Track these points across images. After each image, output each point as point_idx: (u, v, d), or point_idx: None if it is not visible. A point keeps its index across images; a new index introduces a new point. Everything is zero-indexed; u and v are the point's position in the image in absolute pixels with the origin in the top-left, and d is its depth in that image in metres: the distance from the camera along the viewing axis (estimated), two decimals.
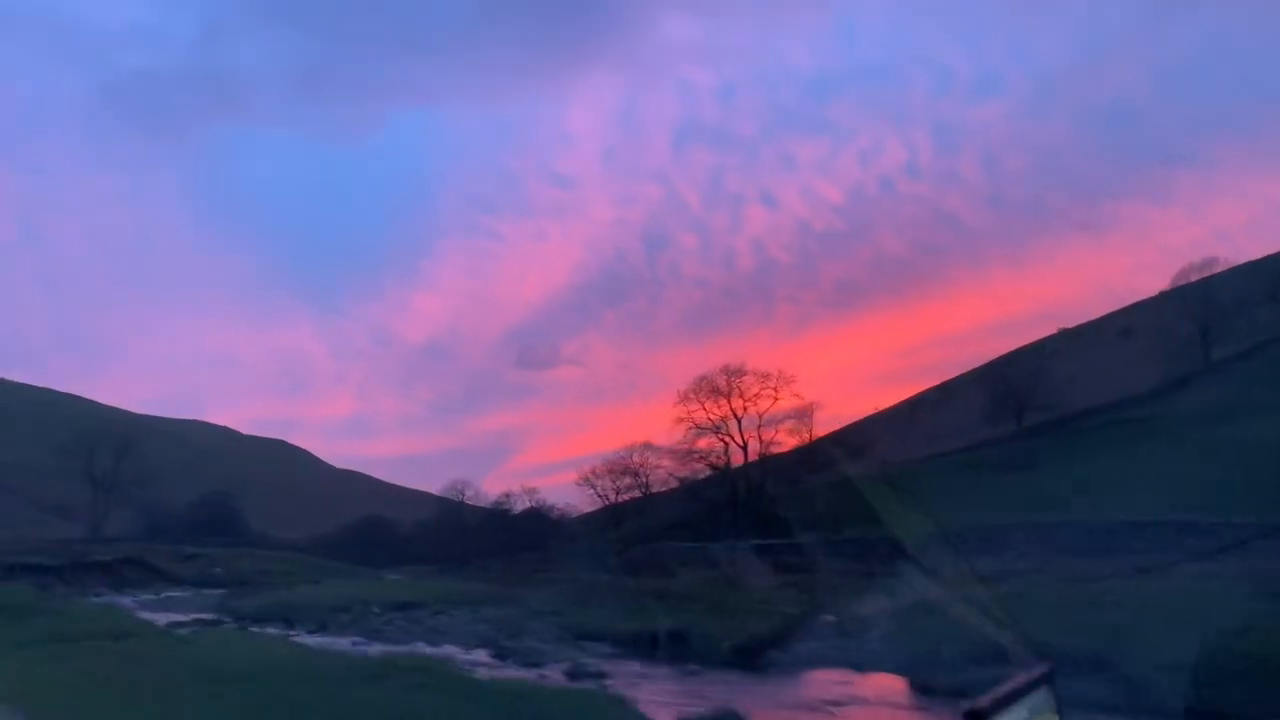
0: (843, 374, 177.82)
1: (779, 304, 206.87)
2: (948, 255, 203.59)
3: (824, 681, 14.34)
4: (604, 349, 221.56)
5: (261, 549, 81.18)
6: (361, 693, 9.54)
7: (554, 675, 15.84)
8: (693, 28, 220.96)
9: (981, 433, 73.27)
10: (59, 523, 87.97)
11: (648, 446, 73.34)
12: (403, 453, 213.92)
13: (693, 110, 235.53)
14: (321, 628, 29.77)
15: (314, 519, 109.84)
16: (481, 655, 20.47)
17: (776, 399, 63.01)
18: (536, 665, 17.42)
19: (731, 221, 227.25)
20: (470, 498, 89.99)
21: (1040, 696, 1.85)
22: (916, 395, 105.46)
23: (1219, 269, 70.75)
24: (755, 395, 62.92)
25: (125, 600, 46.95)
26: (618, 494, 76.11)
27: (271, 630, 29.94)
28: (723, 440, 63.56)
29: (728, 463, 63.62)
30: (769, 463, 64.17)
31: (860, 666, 14.73)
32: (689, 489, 68.01)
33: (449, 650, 22.21)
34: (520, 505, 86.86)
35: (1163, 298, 77.79)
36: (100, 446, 79.38)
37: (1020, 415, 65.71)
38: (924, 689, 12.61)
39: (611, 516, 76.43)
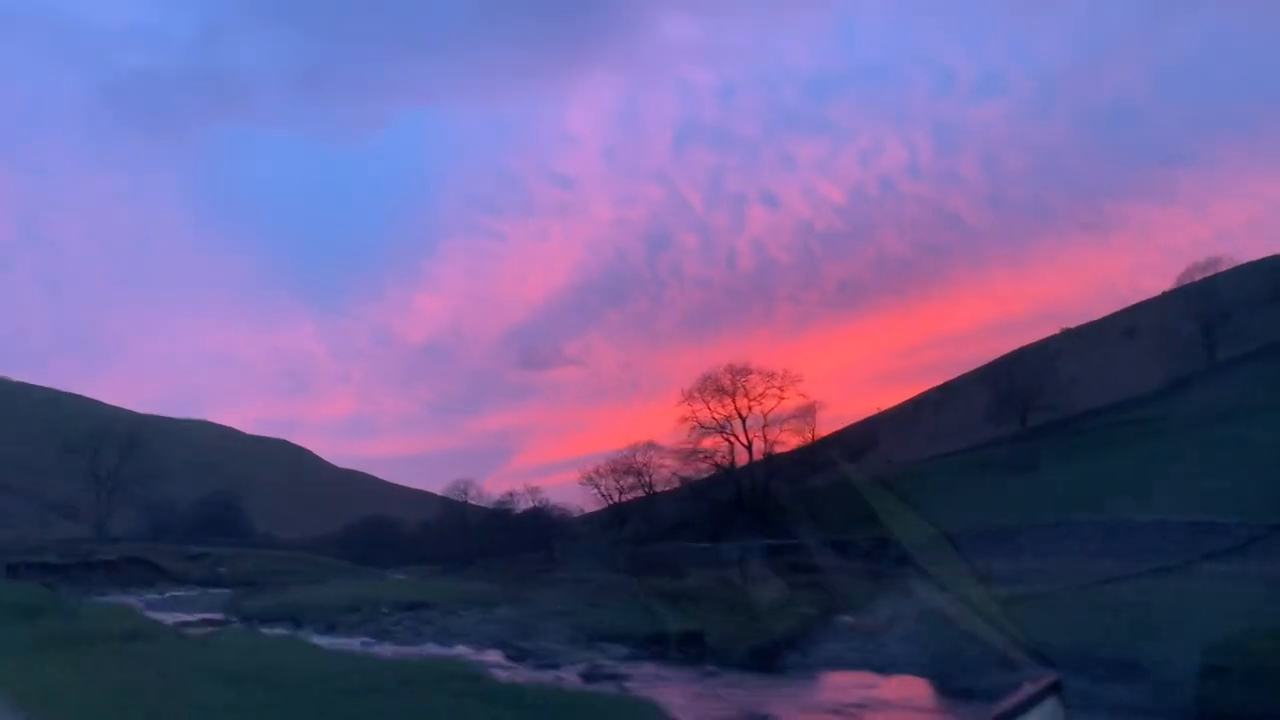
0: (844, 374, 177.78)
1: (780, 304, 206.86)
2: (949, 255, 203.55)
3: (845, 684, 14.29)
4: (605, 349, 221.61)
5: (265, 549, 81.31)
6: (399, 701, 9.40)
7: (570, 677, 15.80)
8: (693, 28, 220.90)
9: (985, 433, 73.16)
10: (62, 522, 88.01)
11: (651, 446, 73.32)
12: (404, 453, 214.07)
13: (693, 110, 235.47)
14: (330, 628, 29.76)
15: (316, 519, 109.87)
16: (495, 656, 20.41)
17: (782, 398, 63.00)
18: (552, 667, 17.37)
19: (732, 221, 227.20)
20: (473, 497, 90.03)
21: (1048, 708, 1.84)
22: (919, 395, 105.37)
23: (1223, 268, 70.66)
24: (760, 395, 62.90)
25: (131, 600, 46.96)
26: (621, 494, 76.00)
27: (280, 630, 29.93)
28: (727, 440, 63.52)
29: (732, 462, 63.58)
30: (773, 462, 64.11)
31: (881, 669, 14.65)
32: (693, 489, 67.95)
33: (461, 651, 22.17)
34: (523, 505, 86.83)
35: (1166, 298, 77.70)
36: (104, 446, 79.39)
37: (1024, 415, 65.59)
38: (947, 692, 12.57)
39: (615, 516, 76.35)
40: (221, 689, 11.07)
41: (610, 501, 76.97)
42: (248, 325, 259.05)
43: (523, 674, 15.64)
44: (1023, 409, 66.53)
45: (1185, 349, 63.95)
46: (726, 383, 63.14)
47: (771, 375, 63.43)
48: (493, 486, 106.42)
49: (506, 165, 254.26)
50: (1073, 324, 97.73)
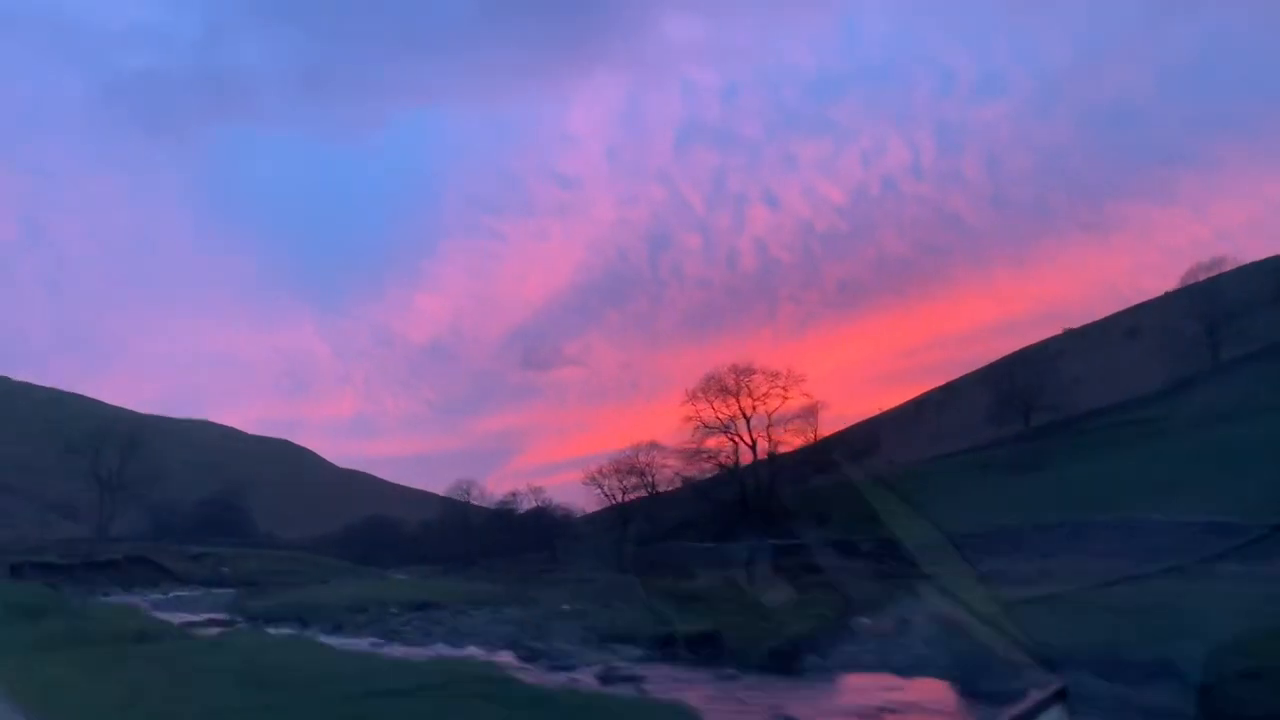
0: (845, 374, 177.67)
1: (781, 304, 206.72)
2: (950, 255, 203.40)
3: (868, 687, 14.17)
4: (606, 349, 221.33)
5: (267, 549, 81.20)
6: (429, 703, 9.19)
7: (586, 679, 15.68)
8: (695, 28, 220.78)
9: (987, 433, 73.14)
10: (63, 522, 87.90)
11: (654, 446, 73.22)
12: (406, 453, 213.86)
13: (695, 110, 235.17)
14: (338, 628, 29.64)
15: (318, 519, 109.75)
16: (507, 657, 20.30)
17: (786, 398, 62.93)
18: (566, 668, 17.26)
19: (734, 222, 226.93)
20: (475, 498, 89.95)
21: (1054, 715, 1.82)
22: (921, 395, 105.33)
23: (1226, 268, 70.65)
24: (764, 394, 62.82)
25: (135, 600, 46.86)
26: (624, 494, 75.91)
27: (287, 630, 29.83)
28: (731, 440, 63.44)
29: (736, 462, 63.51)
30: (776, 462, 64.04)
31: (902, 671, 14.52)
32: (696, 489, 67.85)
33: (473, 652, 22.07)
34: (525, 505, 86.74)
35: (1169, 298, 77.70)
36: (106, 446, 79.29)
37: (1028, 416, 65.54)
38: (971, 694, 12.44)
39: (618, 516, 76.25)
40: (238, 691, 10.87)
41: (613, 501, 76.87)
42: (249, 325, 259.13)
43: (537, 675, 15.50)
44: (1025, 409, 66.47)
45: (1189, 349, 63.93)
46: (730, 382, 63.12)
47: (775, 375, 63.40)
48: (494, 486, 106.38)
49: (508, 165, 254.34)
50: (1074, 324, 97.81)
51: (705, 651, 17.97)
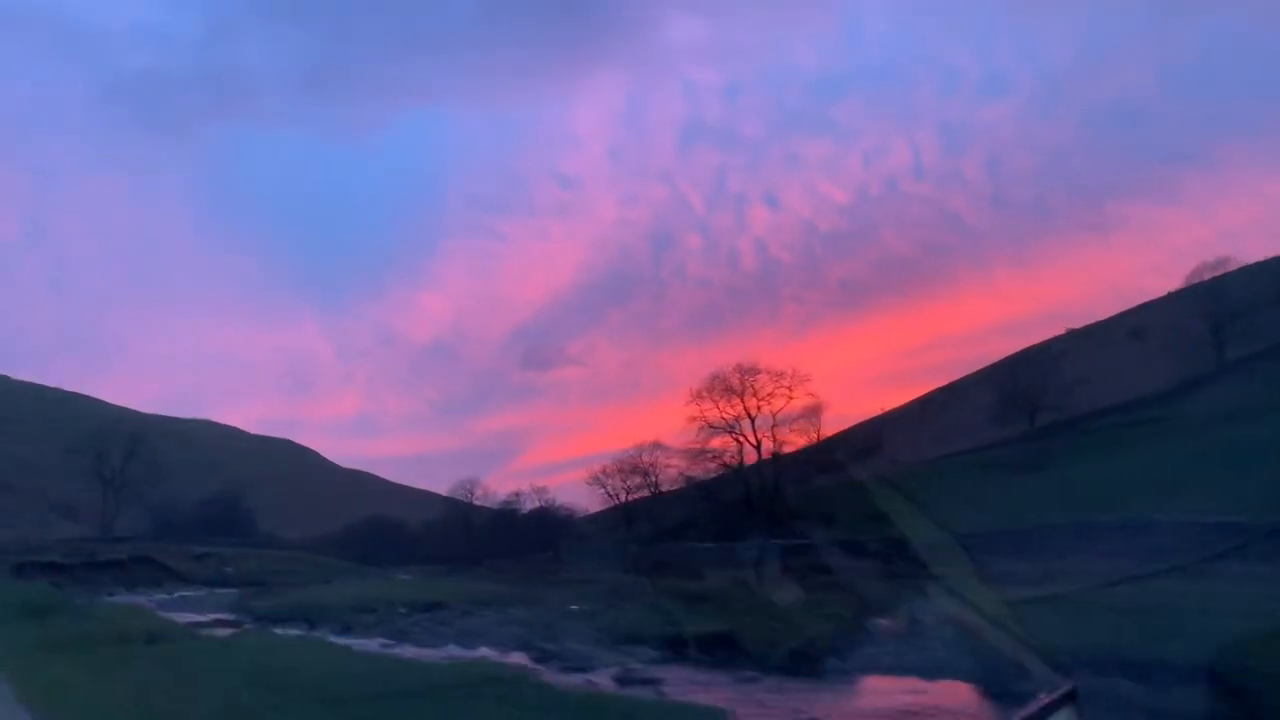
0: (847, 374, 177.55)
1: (783, 304, 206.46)
2: (953, 255, 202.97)
3: (891, 689, 14.04)
4: (608, 349, 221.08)
5: (269, 548, 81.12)
6: (454, 706, 9.09)
7: (603, 681, 15.55)
8: (698, 28, 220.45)
9: (991, 433, 73.06)
10: (65, 522, 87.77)
11: (657, 445, 73.19)
12: (407, 452, 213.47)
13: (697, 110, 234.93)
14: (346, 629, 29.53)
15: (320, 518, 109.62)
16: (520, 658, 20.19)
17: (791, 398, 62.87)
18: (581, 670, 17.10)
19: (736, 221, 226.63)
20: (478, 497, 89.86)
21: (1063, 717, 1.82)
22: (924, 395, 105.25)
23: (1231, 268, 70.57)
24: (769, 394, 62.75)
25: (138, 599, 46.76)
26: (628, 494, 75.85)
27: (295, 631, 29.74)
28: (736, 440, 63.35)
29: (741, 462, 63.41)
30: (780, 462, 63.97)
31: (925, 673, 14.38)
32: (700, 489, 67.78)
33: (484, 653, 21.96)
34: (528, 505, 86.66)
35: (1173, 298, 77.64)
36: (109, 445, 79.24)
37: (1032, 416, 65.46)
38: (998, 697, 12.28)
39: (621, 516, 76.19)
40: (253, 693, 10.71)
41: (616, 501, 76.84)
42: (251, 325, 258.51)
43: (553, 677, 15.35)
44: (1030, 409, 66.40)
45: (1194, 349, 63.84)
46: (735, 382, 63.04)
47: (780, 375, 63.32)
48: (497, 486, 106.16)
49: (510, 165, 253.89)
50: (1077, 324, 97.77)
51: (721, 653, 17.83)
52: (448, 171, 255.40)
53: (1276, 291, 63.04)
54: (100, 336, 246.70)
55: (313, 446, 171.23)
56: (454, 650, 22.88)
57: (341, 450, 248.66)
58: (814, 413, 64.72)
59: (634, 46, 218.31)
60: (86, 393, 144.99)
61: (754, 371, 63.26)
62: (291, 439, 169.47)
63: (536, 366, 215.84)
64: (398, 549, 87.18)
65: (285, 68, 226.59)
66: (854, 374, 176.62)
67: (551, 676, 14.55)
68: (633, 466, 74.39)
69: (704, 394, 63.26)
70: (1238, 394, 52.30)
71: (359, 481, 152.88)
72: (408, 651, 21.86)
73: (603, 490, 75.87)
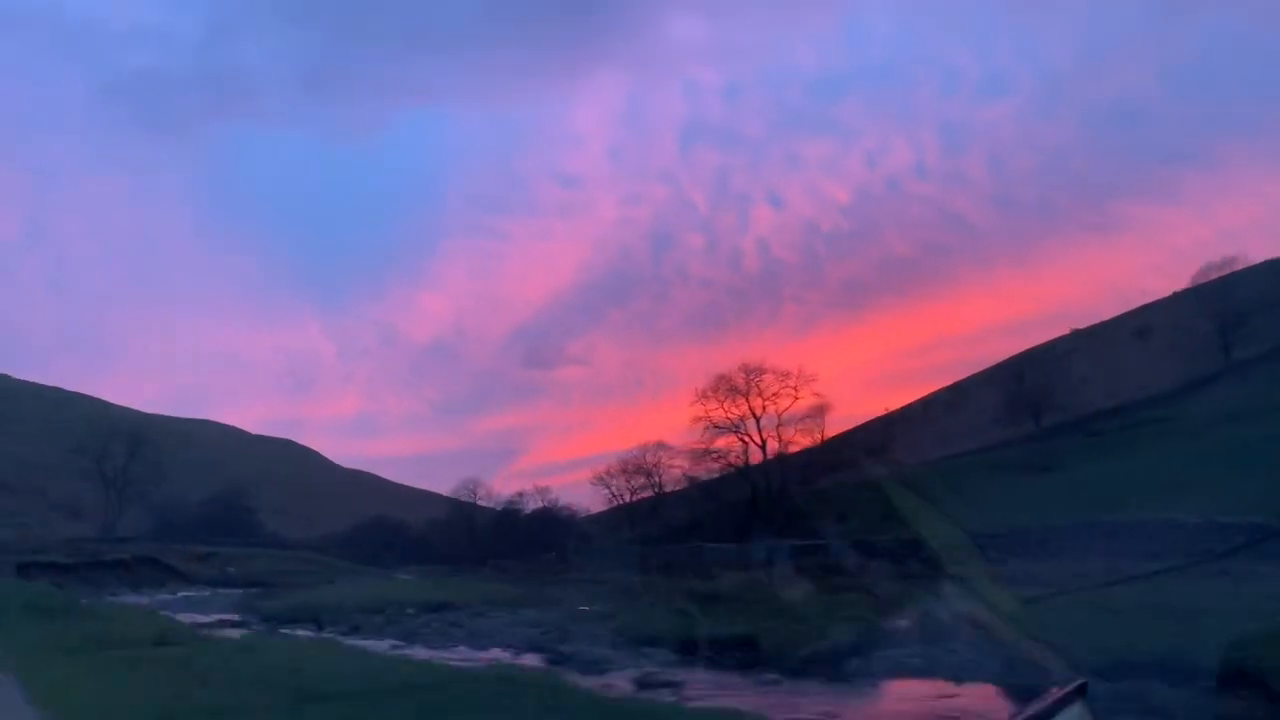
0: (850, 374, 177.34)
1: (785, 304, 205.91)
2: (955, 256, 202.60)
3: (920, 693, 13.80)
4: (609, 349, 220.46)
5: (272, 548, 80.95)
6: (497, 715, 8.88)
7: (622, 684, 15.34)
8: (699, 27, 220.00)
9: (995, 433, 72.96)
10: (68, 521, 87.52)
11: (661, 445, 73.06)
12: (408, 452, 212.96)
13: (699, 110, 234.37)
14: (354, 630, 29.33)
15: (322, 518, 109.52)
16: (534, 660, 20.00)
17: (796, 398, 62.68)
18: (599, 673, 16.87)
19: (738, 221, 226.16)
20: (481, 497, 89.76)
21: (1075, 711, 1.81)
22: (928, 396, 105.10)
23: (1238, 268, 70.45)
24: (774, 394, 62.55)
25: (142, 600, 46.57)
26: (632, 494, 75.73)
27: (303, 632, 29.54)
28: (741, 440, 63.15)
29: (746, 462, 63.21)
30: (786, 462, 63.79)
31: (953, 676, 14.13)
32: (704, 489, 67.62)
33: (497, 655, 21.73)
34: (531, 505, 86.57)
35: (1178, 298, 77.54)
36: (111, 445, 79.07)
37: (1038, 416, 65.31)
38: (1030, 701, 12.04)
39: (625, 516, 76.09)
40: (291, 702, 10.19)
41: (620, 502, 76.73)
42: (251, 324, 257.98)
43: (579, 681, 15.11)
44: (1036, 409, 66.28)
45: (1201, 349, 63.69)
46: (740, 382, 62.80)
47: (786, 374, 63.12)
48: (498, 487, 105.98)
49: (511, 165, 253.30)
50: (1078, 324, 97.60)
51: (740, 656, 17.62)
52: (448, 171, 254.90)
53: None
54: (101, 336, 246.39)
55: (314, 446, 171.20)
56: (466, 652, 22.66)
57: (342, 450, 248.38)
58: (818, 413, 64.61)
59: (635, 46, 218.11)
60: (87, 392, 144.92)
61: (759, 371, 63.14)
62: (292, 439, 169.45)
63: (537, 366, 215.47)
64: (400, 549, 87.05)
65: (285, 68, 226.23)
66: (855, 374, 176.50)
67: (580, 681, 14.24)
68: (636, 466, 74.34)
69: (709, 394, 63.07)
70: (1244, 394, 52.17)
71: (360, 481, 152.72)
72: (420, 653, 21.62)
73: (606, 490, 75.82)
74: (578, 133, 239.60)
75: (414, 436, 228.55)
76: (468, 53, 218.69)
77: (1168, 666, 12.41)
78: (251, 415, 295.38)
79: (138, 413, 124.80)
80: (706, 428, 62.89)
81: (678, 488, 72.52)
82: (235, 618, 35.70)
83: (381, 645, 24.39)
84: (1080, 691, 1.91)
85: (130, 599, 47.53)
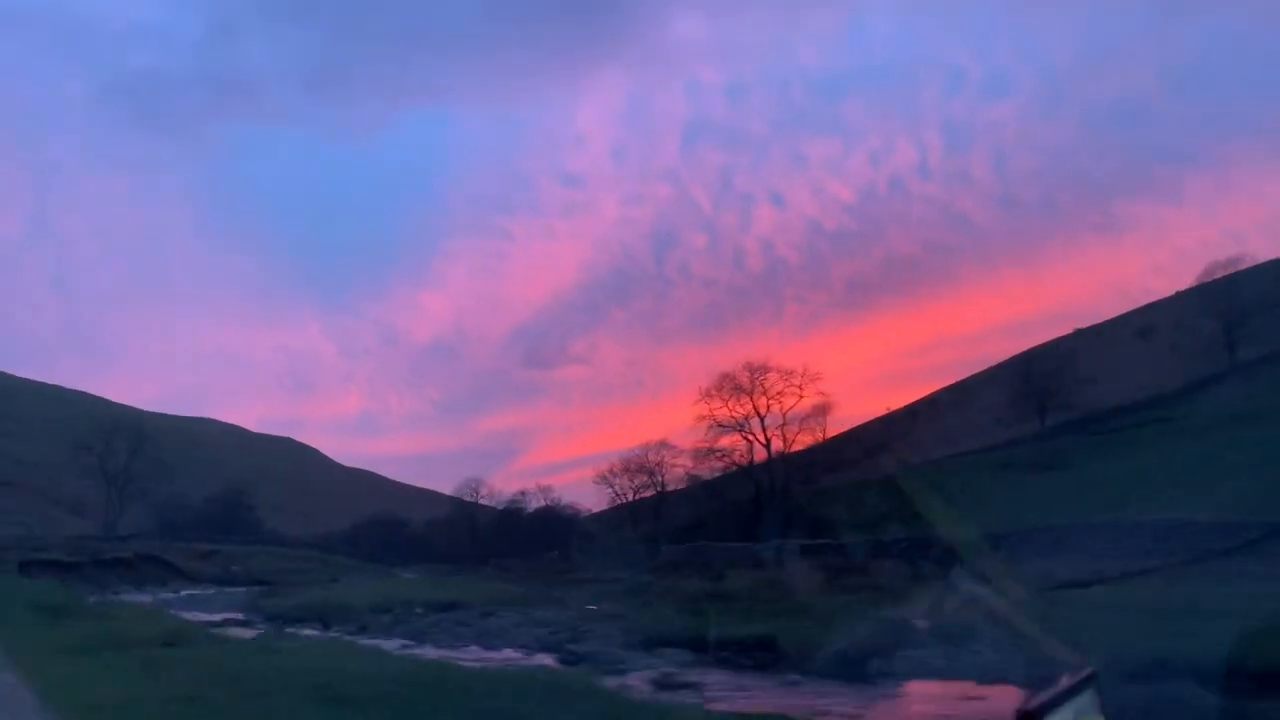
0: (852, 374, 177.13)
1: (788, 303, 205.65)
2: (958, 255, 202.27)
3: (947, 694, 13.61)
4: (611, 348, 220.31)
5: (273, 546, 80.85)
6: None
7: (641, 685, 15.20)
8: (703, 27, 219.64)
9: (999, 433, 72.78)
10: (70, 519, 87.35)
11: (664, 444, 72.91)
12: (410, 451, 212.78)
13: (703, 109, 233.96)
14: (362, 629, 29.19)
15: (324, 517, 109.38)
16: (548, 661, 19.85)
17: (801, 396, 62.49)
18: (616, 674, 16.63)
19: (741, 221, 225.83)
20: (483, 497, 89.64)
21: (1086, 699, 1.87)
22: (931, 395, 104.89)
23: (1244, 266, 70.25)
24: (779, 393, 62.35)
25: (145, 598, 46.44)
26: (635, 493, 75.59)
27: (311, 632, 29.39)
28: (746, 439, 62.94)
29: (751, 460, 63.01)
30: (790, 461, 63.62)
31: (977, 677, 13.96)
32: (708, 487, 67.45)
33: (510, 655, 21.60)
34: (534, 504, 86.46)
35: (1182, 297, 77.33)
36: (114, 442, 78.91)
37: (1044, 415, 65.13)
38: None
39: (628, 515, 75.96)
40: (317, 705, 9.89)
41: (623, 500, 76.59)
42: (253, 323, 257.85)
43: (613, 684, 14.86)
44: (1042, 408, 66.11)
45: (1204, 348, 63.48)
46: (745, 380, 62.58)
47: (790, 373, 62.91)
48: (499, 486, 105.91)
49: (514, 164, 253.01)
50: (1081, 324, 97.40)
51: (758, 656, 17.46)
52: (450, 171, 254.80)
53: None
54: (102, 335, 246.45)
55: (315, 445, 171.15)
56: (477, 652, 22.49)
57: (343, 449, 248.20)
58: (821, 412, 64.42)
59: (637, 45, 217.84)
60: (89, 390, 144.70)
61: (764, 369, 62.90)
62: (294, 438, 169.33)
63: (539, 366, 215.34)
64: (401, 548, 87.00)
65: (287, 67, 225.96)
66: (858, 374, 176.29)
67: (613, 684, 13.94)
68: (639, 465, 74.21)
69: (713, 392, 62.84)
70: (1253, 393, 51.99)
71: (360, 480, 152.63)
72: (430, 652, 21.45)
73: (609, 489, 75.65)
74: (580, 132, 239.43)
75: (415, 436, 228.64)
76: (469, 52, 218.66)
77: (1201, 669, 12.27)
78: (252, 414, 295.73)
79: (139, 411, 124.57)
80: (711, 426, 62.72)
81: (680, 486, 72.40)
82: (241, 616, 35.58)
83: (391, 645, 24.23)
84: (1090, 679, 1.94)
85: (134, 597, 47.39)
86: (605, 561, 57.27)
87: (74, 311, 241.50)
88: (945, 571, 24.37)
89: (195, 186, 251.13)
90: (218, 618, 34.11)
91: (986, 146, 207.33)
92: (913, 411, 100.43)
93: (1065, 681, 1.87)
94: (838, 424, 73.46)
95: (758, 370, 62.77)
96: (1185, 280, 79.51)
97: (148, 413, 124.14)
